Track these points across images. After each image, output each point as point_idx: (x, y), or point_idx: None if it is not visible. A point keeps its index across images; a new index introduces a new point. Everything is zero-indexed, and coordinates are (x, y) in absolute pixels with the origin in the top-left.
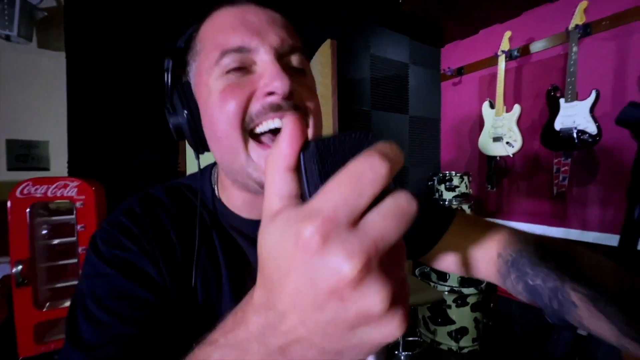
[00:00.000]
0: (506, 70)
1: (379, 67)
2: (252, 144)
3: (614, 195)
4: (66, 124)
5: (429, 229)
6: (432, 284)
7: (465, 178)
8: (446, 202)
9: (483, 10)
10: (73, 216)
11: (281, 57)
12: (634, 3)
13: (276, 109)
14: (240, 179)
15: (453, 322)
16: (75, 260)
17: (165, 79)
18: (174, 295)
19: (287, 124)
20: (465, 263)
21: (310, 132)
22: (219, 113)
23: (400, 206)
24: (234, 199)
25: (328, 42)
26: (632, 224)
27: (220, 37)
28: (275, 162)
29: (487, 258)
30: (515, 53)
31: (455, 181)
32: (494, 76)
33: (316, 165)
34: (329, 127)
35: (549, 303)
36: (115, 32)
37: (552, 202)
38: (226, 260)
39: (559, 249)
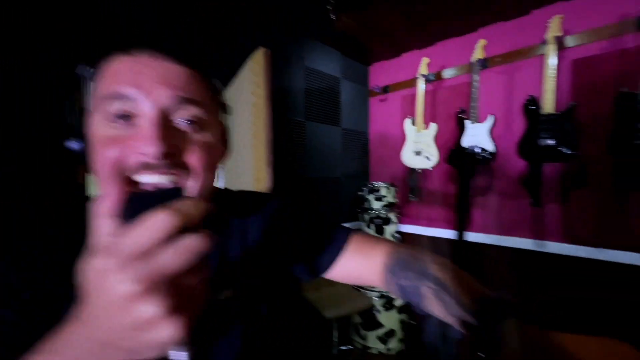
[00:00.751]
0: (425, 92)
1: (313, 79)
2: (127, 188)
3: (508, 203)
4: None
5: (326, 250)
6: (362, 291)
7: (392, 189)
8: (375, 211)
9: (403, 36)
10: None
11: (167, 113)
12: (518, 46)
13: (149, 167)
14: None
15: (382, 326)
16: None
17: (68, 103)
18: (40, 316)
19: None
20: (361, 275)
21: (190, 187)
22: (96, 160)
23: (186, 245)
24: None
25: (261, 50)
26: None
27: (107, 84)
28: (100, 211)
29: (376, 269)
30: (431, 77)
31: (383, 191)
32: (414, 96)
33: (129, 214)
34: (261, 136)
35: (413, 298)
36: None
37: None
38: None
39: (420, 256)
